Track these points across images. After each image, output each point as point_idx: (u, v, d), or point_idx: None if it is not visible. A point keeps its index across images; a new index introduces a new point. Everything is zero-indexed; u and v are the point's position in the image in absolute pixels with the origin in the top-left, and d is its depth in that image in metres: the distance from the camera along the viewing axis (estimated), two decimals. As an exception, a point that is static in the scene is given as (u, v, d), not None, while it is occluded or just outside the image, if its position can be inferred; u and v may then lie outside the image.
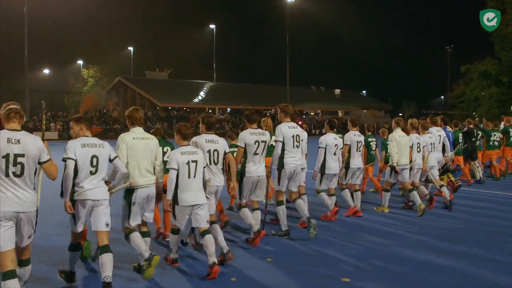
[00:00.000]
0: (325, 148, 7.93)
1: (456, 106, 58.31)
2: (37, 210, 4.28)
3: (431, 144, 9.47)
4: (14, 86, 57.23)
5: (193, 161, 5.51)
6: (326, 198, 8.09)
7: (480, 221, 8.17)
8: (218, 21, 68.01)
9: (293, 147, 6.89)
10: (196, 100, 55.31)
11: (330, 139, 7.99)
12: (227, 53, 77.26)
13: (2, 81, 61.37)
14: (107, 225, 4.88)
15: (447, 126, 11.33)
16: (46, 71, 72.41)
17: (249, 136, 6.53)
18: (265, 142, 6.64)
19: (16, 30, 53.36)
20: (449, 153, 10.41)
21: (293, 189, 7.17)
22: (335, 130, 8.34)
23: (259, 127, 7.11)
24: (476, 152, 12.83)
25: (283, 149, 6.83)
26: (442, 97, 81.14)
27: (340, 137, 8.42)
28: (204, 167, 5.69)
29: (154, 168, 5.49)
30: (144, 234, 5.43)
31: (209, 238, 5.46)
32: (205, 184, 5.73)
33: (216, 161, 6.06)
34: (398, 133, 8.84)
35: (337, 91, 71.17)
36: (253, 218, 6.59)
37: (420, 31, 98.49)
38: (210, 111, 54.25)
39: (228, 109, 57.18)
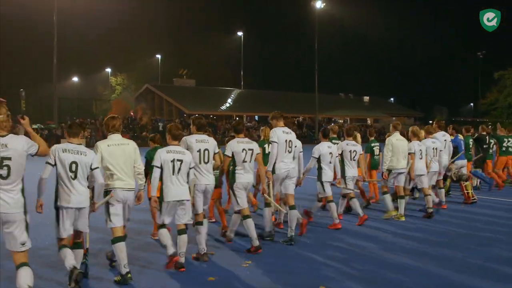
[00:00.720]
0: (319, 158, 8.08)
1: (489, 114, 56.92)
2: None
3: (433, 149, 9.46)
4: (43, 94, 58.29)
5: (178, 160, 5.86)
6: (334, 208, 8.11)
7: (467, 225, 8.36)
8: (245, 29, 68.07)
9: (285, 152, 7.11)
10: (223, 107, 55.22)
11: (324, 148, 8.11)
12: (254, 60, 77.32)
13: (31, 89, 62.81)
14: (85, 226, 5.33)
15: (459, 134, 11.20)
16: (75, 79, 73.65)
17: (236, 145, 6.77)
18: (252, 150, 6.84)
19: (46, 38, 54.49)
20: (448, 159, 10.30)
21: (289, 191, 7.36)
22: (329, 138, 8.52)
23: (258, 136, 7.12)
24: (485, 160, 12.63)
25: (277, 153, 7.03)
26: (472, 104, 79.34)
27: (335, 143, 8.72)
28: (190, 168, 6.00)
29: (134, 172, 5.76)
30: (120, 239, 5.55)
31: (183, 238, 5.89)
32: (191, 182, 6.06)
33: (206, 160, 6.38)
34: (395, 137, 8.94)
35: (366, 98, 70.31)
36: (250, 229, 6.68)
37: (451, 37, 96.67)
38: (237, 118, 54.09)
39: (256, 117, 56.96)
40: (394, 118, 66.18)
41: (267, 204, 7.14)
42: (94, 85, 72.60)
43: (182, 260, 5.81)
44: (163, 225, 5.96)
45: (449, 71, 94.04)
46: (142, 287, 5.28)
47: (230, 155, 6.76)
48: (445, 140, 10.05)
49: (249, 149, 6.82)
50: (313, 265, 6.03)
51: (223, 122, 50.13)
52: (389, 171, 8.87)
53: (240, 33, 65.55)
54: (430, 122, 64.43)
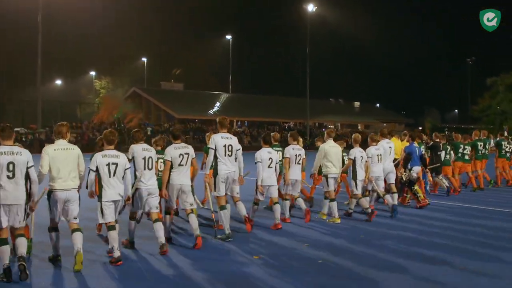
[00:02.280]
0: (261, 162, 8.69)
1: (481, 120, 57.05)
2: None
3: (377, 155, 10.07)
4: (24, 97, 56.98)
5: (113, 163, 6.50)
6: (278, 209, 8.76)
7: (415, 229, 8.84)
8: (234, 32, 67.51)
9: (225, 156, 7.75)
10: (213, 111, 54.50)
11: (264, 153, 8.77)
12: (243, 64, 76.68)
13: (13, 92, 61.38)
14: (20, 222, 5.88)
15: (414, 142, 11.73)
16: (58, 82, 72.29)
17: (174, 150, 7.45)
18: (188, 154, 7.51)
19: (28, 41, 53.32)
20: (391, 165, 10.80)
21: (234, 194, 8.06)
22: (270, 144, 9.20)
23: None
24: (441, 166, 13.17)
25: (216, 157, 7.72)
26: (456, 111, 79.57)
27: (277, 150, 9.50)
28: (126, 169, 6.64)
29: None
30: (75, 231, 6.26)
31: (113, 233, 6.46)
32: (128, 183, 6.74)
33: (150, 167, 7.24)
34: (329, 144, 9.63)
35: (357, 103, 70.20)
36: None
37: (441, 44, 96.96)
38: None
39: (245, 122, 56.39)
40: (384, 124, 66.19)
41: (222, 207, 7.79)
42: (77, 88, 71.27)
43: (117, 254, 6.42)
44: (109, 224, 6.56)
45: (439, 77, 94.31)
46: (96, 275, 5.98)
47: (170, 159, 7.41)
48: (389, 147, 10.61)
49: (186, 153, 7.49)
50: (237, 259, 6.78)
51: (213, 127, 49.39)
52: (326, 176, 9.48)
53: (228, 37, 64.97)
54: (420, 128, 64.73)
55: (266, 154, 8.75)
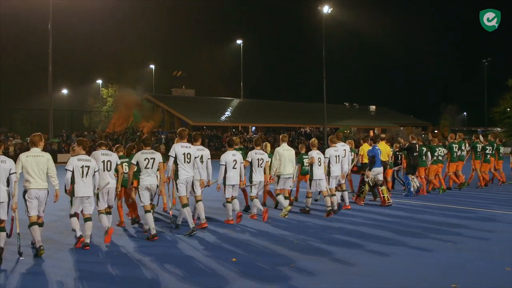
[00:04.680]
0: (225, 165, 9.91)
1: (503, 122, 56.08)
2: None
3: (336, 156, 11.22)
4: (30, 106, 56.48)
5: (86, 166, 8.01)
6: (230, 207, 10.04)
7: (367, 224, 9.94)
8: (246, 36, 66.94)
9: (184, 162, 9.05)
10: (226, 118, 53.75)
11: (229, 156, 9.99)
12: (254, 69, 76.13)
13: (19, 101, 61.01)
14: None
15: (376, 145, 12.58)
16: (64, 90, 71.85)
17: (141, 155, 8.82)
18: (154, 158, 8.83)
19: (34, 51, 53.02)
20: (348, 166, 12.02)
21: (191, 194, 9.37)
22: (234, 147, 10.43)
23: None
24: (417, 167, 14.08)
25: (176, 163, 9.02)
26: (465, 113, 78.28)
27: (240, 153, 10.54)
28: (95, 171, 8.19)
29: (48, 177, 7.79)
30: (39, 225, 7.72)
31: (88, 224, 8.10)
32: (96, 182, 8.25)
33: (109, 168, 8.77)
34: (283, 147, 10.85)
35: (372, 107, 69.28)
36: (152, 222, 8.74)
37: (458, 45, 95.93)
38: (241, 129, 52.81)
39: (253, 128, 55.50)
40: (402, 127, 65.37)
41: (184, 205, 9.03)
42: (84, 97, 70.90)
43: (88, 240, 7.98)
44: (74, 215, 8.15)
45: (455, 79, 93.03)
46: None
47: (135, 163, 8.82)
48: (344, 149, 11.64)
49: (151, 158, 8.85)
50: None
51: (228, 134, 48.65)
52: (278, 176, 10.71)
53: (239, 41, 64.38)
54: (436, 131, 63.77)
55: (231, 157, 9.98)
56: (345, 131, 52.02)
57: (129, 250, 7.93)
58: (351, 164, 12.46)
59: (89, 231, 8.02)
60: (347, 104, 69.33)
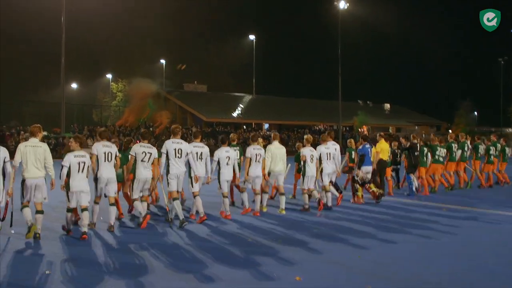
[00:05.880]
0: (218, 161, 10.33)
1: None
2: None
3: (327, 154, 11.59)
4: (39, 98, 56.33)
5: (82, 162, 8.41)
6: (227, 201, 10.44)
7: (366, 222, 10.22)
8: (258, 32, 66.45)
9: (175, 158, 9.51)
10: (239, 114, 53.34)
11: (222, 152, 10.38)
12: (267, 65, 75.63)
13: (29, 94, 60.85)
14: None
15: (366, 143, 12.80)
16: (74, 85, 71.70)
17: (139, 148, 9.35)
18: (150, 153, 9.38)
19: (43, 44, 52.85)
20: (342, 165, 12.60)
21: (179, 189, 9.77)
22: (228, 144, 10.91)
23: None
24: (417, 166, 14.35)
25: (168, 159, 9.50)
26: (476, 113, 77.19)
27: (235, 150, 11.02)
28: (89, 166, 8.59)
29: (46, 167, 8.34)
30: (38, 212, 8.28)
31: (85, 214, 8.38)
32: (89, 175, 8.63)
33: (109, 159, 9.06)
34: (274, 145, 11.23)
35: (387, 105, 68.66)
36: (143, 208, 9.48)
37: (474, 44, 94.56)
38: (255, 126, 52.34)
39: (266, 125, 55.05)
40: (417, 127, 64.78)
41: (174, 199, 9.46)
42: (93, 92, 70.66)
43: (85, 229, 8.29)
44: (70, 210, 8.59)
45: (472, 78, 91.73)
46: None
47: (134, 155, 9.32)
48: (335, 148, 11.90)
49: (149, 152, 9.38)
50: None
51: (241, 130, 48.19)
52: (269, 173, 11.05)
53: (252, 37, 63.93)
54: (450, 131, 63.11)
55: (224, 153, 10.36)
56: (359, 129, 51.51)
57: (122, 240, 8.46)
58: (341, 163, 12.59)
59: (86, 220, 8.35)
60: (361, 102, 68.75)
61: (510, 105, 72.38)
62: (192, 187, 9.88)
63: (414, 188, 14.10)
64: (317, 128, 55.55)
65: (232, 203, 11.85)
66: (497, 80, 74.30)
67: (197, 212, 10.04)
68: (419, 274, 6.51)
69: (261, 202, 11.09)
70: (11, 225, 8.42)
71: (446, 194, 14.56)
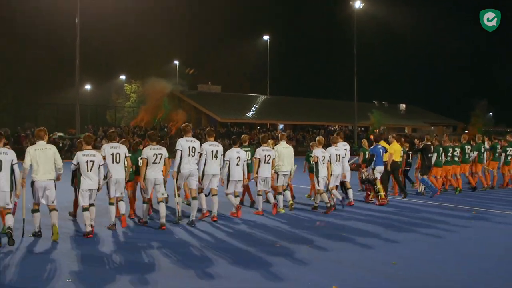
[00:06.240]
0: (229, 161, 10.38)
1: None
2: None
3: (336, 155, 11.62)
4: (53, 100, 56.63)
5: (91, 161, 8.62)
6: (232, 199, 10.55)
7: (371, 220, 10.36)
8: (273, 32, 66.23)
9: (189, 156, 9.61)
10: (252, 114, 53.11)
11: (233, 153, 10.44)
12: (281, 66, 75.38)
13: (43, 96, 61.20)
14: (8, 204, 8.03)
15: (378, 144, 12.89)
16: (87, 86, 72.04)
17: (149, 150, 9.36)
18: (161, 154, 9.41)
19: (57, 46, 53.10)
20: (347, 164, 12.31)
21: (192, 187, 9.79)
22: (240, 145, 11.03)
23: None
24: (430, 167, 14.26)
25: (181, 156, 9.52)
26: (491, 113, 76.17)
27: (246, 150, 11.21)
28: (101, 165, 8.79)
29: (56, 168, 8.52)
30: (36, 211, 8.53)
31: (86, 213, 8.58)
32: (101, 175, 8.81)
33: (118, 160, 9.18)
34: (281, 145, 11.43)
35: (402, 106, 68.13)
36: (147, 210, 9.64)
37: (492, 42, 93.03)
38: (270, 126, 52.14)
39: (281, 125, 54.79)
40: (432, 127, 64.12)
41: (194, 198, 9.68)
42: (107, 93, 70.88)
43: (89, 229, 8.53)
44: (86, 208, 8.62)
45: (487, 76, 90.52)
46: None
47: (146, 157, 9.34)
48: (345, 149, 12.11)
49: (159, 154, 9.41)
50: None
51: (256, 131, 47.99)
52: (277, 173, 11.18)
53: (266, 37, 63.75)
54: (466, 131, 62.36)
55: (235, 154, 10.42)
56: (375, 130, 51.09)
57: (130, 238, 8.62)
58: (350, 161, 12.80)
59: (87, 220, 8.52)
60: (376, 102, 68.23)
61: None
62: (201, 183, 9.99)
63: (434, 187, 13.98)
64: (332, 129, 55.20)
65: (241, 202, 11.77)
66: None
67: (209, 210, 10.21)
68: (433, 274, 6.48)
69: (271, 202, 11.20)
70: (22, 235, 8.35)
71: (461, 195, 14.42)
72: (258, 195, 11.01)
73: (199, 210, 10.15)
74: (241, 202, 11.67)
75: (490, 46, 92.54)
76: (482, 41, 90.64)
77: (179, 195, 9.90)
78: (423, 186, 14.32)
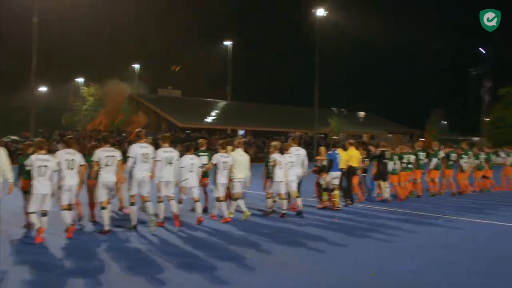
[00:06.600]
0: (183, 168, 10.42)
1: (493, 132, 56.42)
2: None
3: (290, 162, 11.91)
4: (6, 102, 54.90)
5: (44, 166, 8.54)
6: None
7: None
8: (235, 38, 66.23)
9: (142, 162, 9.63)
10: (213, 120, 52.90)
11: (187, 160, 10.49)
12: (243, 71, 75.40)
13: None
14: None
15: (335, 149, 13.14)
16: (43, 88, 70.07)
17: (102, 153, 9.42)
18: (114, 156, 9.47)
19: (13, 45, 51.58)
20: (307, 170, 12.81)
21: (143, 194, 9.82)
22: (195, 150, 11.36)
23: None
24: (386, 173, 14.63)
25: (134, 163, 9.54)
26: (446, 122, 78.57)
27: (203, 156, 11.52)
28: (55, 171, 8.71)
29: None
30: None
31: (43, 219, 8.65)
32: (55, 181, 8.75)
33: (72, 167, 9.06)
34: (237, 152, 11.43)
35: (361, 113, 69.16)
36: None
37: (448, 54, 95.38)
38: (231, 132, 51.97)
39: (242, 131, 54.74)
40: (389, 135, 65.34)
41: (132, 204, 9.73)
42: (61, 95, 69.05)
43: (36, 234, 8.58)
44: (33, 212, 8.63)
45: (444, 87, 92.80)
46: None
47: (98, 159, 9.36)
48: (298, 154, 12.38)
49: (112, 156, 9.45)
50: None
51: (216, 137, 47.73)
52: (232, 180, 11.22)
53: (227, 43, 63.70)
54: (422, 139, 63.98)
55: (188, 160, 10.49)
56: (333, 137, 51.64)
57: (83, 244, 8.49)
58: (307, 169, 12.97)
59: (37, 224, 8.49)
60: (335, 109, 69.04)
61: (479, 114, 73.96)
62: (160, 191, 10.07)
63: (387, 195, 14.46)
64: (292, 135, 55.45)
65: (205, 209, 11.91)
66: (467, 90, 76.02)
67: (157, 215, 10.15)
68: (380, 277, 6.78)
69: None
70: None
71: (416, 201, 14.97)
72: (219, 201, 11.05)
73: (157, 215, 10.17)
74: (205, 209, 11.82)
75: (448, 57, 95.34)
76: (441, 52, 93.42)
77: (133, 204, 9.85)
78: (387, 192, 14.63)
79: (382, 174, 14.58)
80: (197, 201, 10.67)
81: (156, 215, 10.10)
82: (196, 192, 10.72)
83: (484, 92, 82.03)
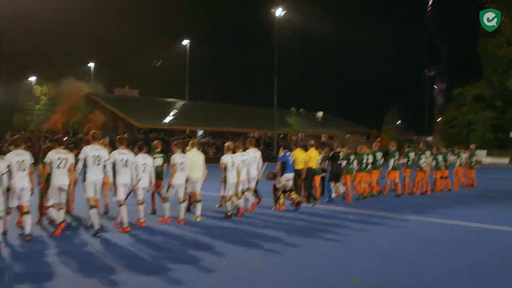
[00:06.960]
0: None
1: (446, 131, 58.14)
2: None
3: (242, 161, 11.91)
4: None
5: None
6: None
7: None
8: (193, 37, 65.67)
9: (93, 165, 9.47)
10: (172, 120, 52.36)
11: (139, 159, 10.31)
12: (201, 71, 74.94)
13: None
14: None
15: (287, 151, 13.23)
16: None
17: (54, 154, 9.38)
18: (67, 159, 9.42)
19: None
20: (262, 171, 12.97)
21: (97, 196, 9.69)
22: (149, 151, 11.03)
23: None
24: (340, 175, 14.85)
25: (85, 165, 9.38)
26: (400, 121, 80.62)
27: (158, 157, 11.59)
28: (3, 174, 8.31)
29: None
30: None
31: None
32: (4, 184, 8.40)
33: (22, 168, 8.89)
34: (192, 153, 11.61)
35: (320, 113, 69.87)
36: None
37: (404, 54, 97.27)
38: (190, 132, 51.64)
39: (201, 132, 54.46)
40: (348, 135, 66.29)
41: (91, 207, 9.43)
42: (14, 94, 66.82)
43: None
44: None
45: (401, 89, 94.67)
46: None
47: (49, 162, 9.34)
48: (255, 156, 12.49)
49: (64, 158, 9.39)
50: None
51: (175, 137, 47.26)
52: (187, 180, 11.21)
53: (185, 42, 63.20)
54: (378, 139, 65.06)
55: (141, 160, 10.35)
56: (292, 137, 52.04)
57: (32, 248, 8.30)
58: (261, 170, 13.01)
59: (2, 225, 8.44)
60: (294, 109, 69.51)
61: (432, 114, 76.17)
62: (116, 195, 9.88)
63: (333, 195, 14.69)
64: (251, 136, 55.53)
65: (154, 212, 12.01)
66: (423, 91, 78.03)
67: (121, 222, 9.99)
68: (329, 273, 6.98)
69: (188, 210, 11.63)
70: None
71: (375, 201, 15.11)
72: (164, 202, 11.05)
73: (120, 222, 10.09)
74: (154, 211, 11.96)
75: (405, 57, 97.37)
76: (399, 53, 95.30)
77: (93, 207, 9.61)
78: (342, 188, 14.85)
79: (336, 175, 14.74)
80: (142, 203, 10.48)
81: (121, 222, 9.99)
82: (142, 194, 10.56)
83: (437, 93, 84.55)
